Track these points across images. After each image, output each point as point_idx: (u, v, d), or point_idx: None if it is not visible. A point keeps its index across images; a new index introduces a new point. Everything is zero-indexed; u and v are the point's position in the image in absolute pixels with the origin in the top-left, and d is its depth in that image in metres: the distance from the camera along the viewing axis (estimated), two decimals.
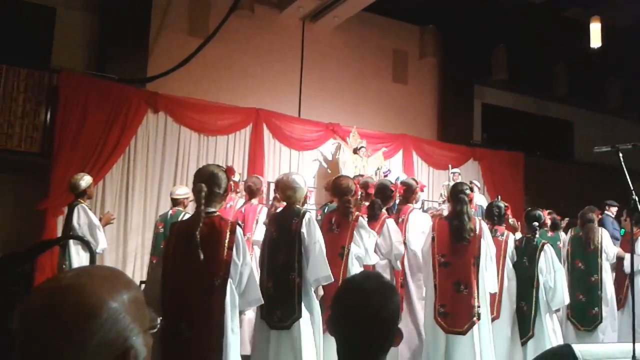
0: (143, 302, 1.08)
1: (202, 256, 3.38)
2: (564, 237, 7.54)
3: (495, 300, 5.59)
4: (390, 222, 5.39)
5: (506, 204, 6.27)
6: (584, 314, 6.58)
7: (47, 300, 0.99)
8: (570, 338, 6.28)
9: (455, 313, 4.99)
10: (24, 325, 0.98)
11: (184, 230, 3.52)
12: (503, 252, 5.70)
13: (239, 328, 3.66)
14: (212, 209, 3.56)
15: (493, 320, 5.50)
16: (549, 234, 7.84)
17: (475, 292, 4.96)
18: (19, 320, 0.98)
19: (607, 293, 6.67)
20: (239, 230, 3.58)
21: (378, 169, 10.04)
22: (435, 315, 5.05)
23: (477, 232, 5.09)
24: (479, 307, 4.96)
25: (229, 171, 3.71)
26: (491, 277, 5.15)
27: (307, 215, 4.53)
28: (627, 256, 6.80)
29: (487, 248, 5.12)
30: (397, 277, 5.51)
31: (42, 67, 8.69)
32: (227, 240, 3.49)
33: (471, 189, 5.48)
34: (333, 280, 4.46)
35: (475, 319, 4.93)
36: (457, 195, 5.25)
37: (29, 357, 0.97)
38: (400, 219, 5.80)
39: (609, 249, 6.84)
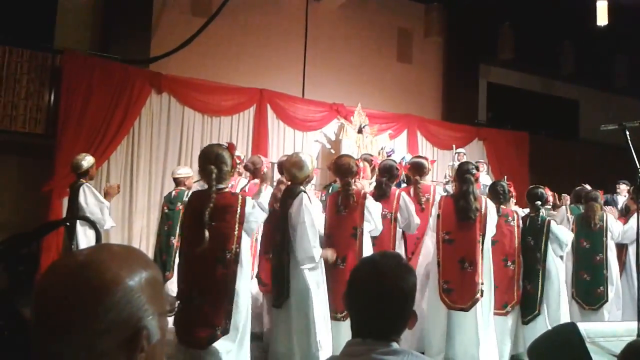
0: (160, 284, 1.06)
1: (207, 235, 3.49)
2: (563, 213, 7.58)
3: (514, 286, 5.60)
4: (404, 195, 5.43)
5: (509, 182, 6.27)
6: (589, 293, 6.59)
7: (61, 276, 0.98)
8: (575, 317, 6.30)
9: (459, 290, 5.03)
10: (36, 300, 0.97)
11: (197, 205, 3.67)
12: (518, 237, 5.69)
13: (248, 300, 3.78)
14: (222, 186, 3.72)
15: (514, 305, 5.55)
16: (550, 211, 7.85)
17: (480, 269, 5.00)
18: (33, 295, 0.98)
19: (612, 272, 6.69)
20: (249, 203, 3.73)
21: (382, 148, 10.02)
22: (440, 291, 5.09)
23: (483, 211, 5.11)
24: (482, 284, 5.00)
25: (231, 148, 3.86)
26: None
27: (300, 196, 4.52)
28: (617, 226, 6.82)
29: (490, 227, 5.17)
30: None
31: (45, 49, 8.66)
32: (238, 215, 3.65)
33: (477, 169, 5.48)
34: (316, 262, 4.46)
35: (478, 295, 4.97)
36: (463, 175, 5.26)
37: (39, 331, 0.96)
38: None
39: (614, 227, 6.84)
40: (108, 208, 6.24)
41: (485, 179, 9.49)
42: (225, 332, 3.57)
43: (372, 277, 1.66)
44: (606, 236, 6.72)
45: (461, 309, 5.02)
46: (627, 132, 3.94)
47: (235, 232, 3.64)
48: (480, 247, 5.06)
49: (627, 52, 14.47)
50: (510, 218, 5.72)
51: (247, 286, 3.78)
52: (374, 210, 4.87)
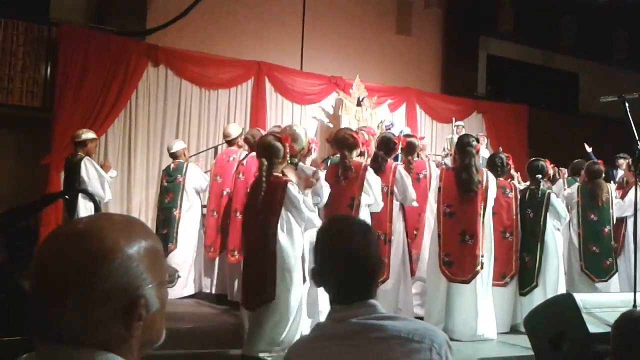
0: (160, 254, 1.06)
1: (261, 217, 4.17)
2: (560, 186, 7.62)
3: (512, 257, 5.64)
4: (401, 168, 5.44)
5: (507, 155, 6.26)
6: (598, 265, 6.63)
7: (59, 243, 0.98)
8: (585, 289, 6.36)
9: (460, 262, 5.07)
10: (35, 267, 0.98)
11: (254, 190, 4.36)
12: (515, 209, 5.70)
13: (295, 270, 4.27)
14: (275, 174, 4.26)
15: (513, 276, 5.60)
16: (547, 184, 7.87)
17: (480, 242, 5.03)
18: (32, 262, 0.98)
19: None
20: (288, 186, 4.22)
21: (381, 122, 9.99)
22: (440, 264, 5.12)
23: (485, 184, 5.12)
24: (482, 256, 5.03)
25: (284, 139, 4.36)
26: None
27: (297, 167, 4.67)
28: (616, 201, 6.86)
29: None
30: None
31: (41, 21, 8.57)
32: (278, 197, 4.18)
33: (477, 141, 5.48)
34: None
35: (479, 268, 5.01)
36: (464, 147, 5.26)
37: (37, 298, 0.96)
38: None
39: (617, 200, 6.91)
40: (108, 182, 6.31)
41: (484, 152, 9.49)
42: (270, 300, 4.15)
43: (339, 248, 1.65)
44: (612, 208, 6.75)
45: (462, 281, 5.06)
46: (627, 104, 3.93)
47: (281, 213, 4.16)
48: (482, 220, 5.09)
49: (627, 25, 14.36)
50: (508, 190, 5.72)
51: (298, 258, 4.28)
52: (374, 184, 4.88)
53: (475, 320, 5.04)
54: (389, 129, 9.05)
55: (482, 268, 5.04)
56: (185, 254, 6.66)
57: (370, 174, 4.87)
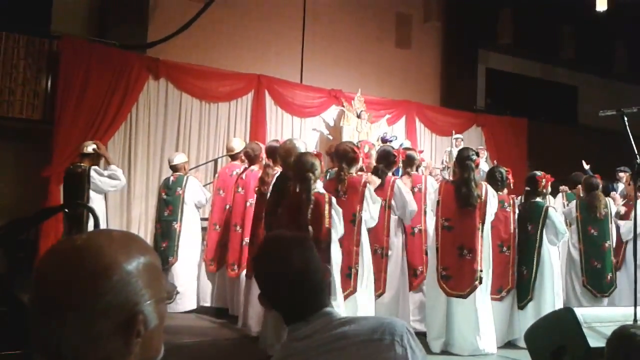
0: (159, 270, 1.07)
1: (311, 231, 4.09)
2: (560, 201, 7.62)
3: (509, 271, 5.63)
4: (400, 183, 5.41)
5: (507, 169, 6.26)
6: (600, 281, 6.61)
7: (58, 258, 0.99)
8: (586, 304, 6.35)
9: (458, 276, 5.05)
10: (34, 282, 0.98)
11: (295, 204, 4.28)
12: (513, 223, 5.69)
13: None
14: (316, 189, 4.32)
15: (509, 290, 5.58)
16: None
17: (479, 257, 5.01)
18: (32, 277, 0.99)
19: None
20: (333, 200, 4.37)
21: (385, 133, 9.98)
22: (438, 277, 5.11)
23: (484, 198, 5.12)
24: (481, 271, 5.02)
25: (319, 156, 4.58)
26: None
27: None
28: (624, 223, 6.87)
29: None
30: (408, 231, 5.59)
31: (42, 34, 8.61)
32: (326, 211, 4.24)
33: (477, 155, 5.48)
34: None
35: (477, 282, 4.99)
36: (463, 161, 5.26)
37: (36, 313, 0.97)
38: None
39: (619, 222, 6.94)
40: (117, 169, 6.48)
41: (483, 165, 9.50)
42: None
43: (281, 268, 1.63)
44: (612, 222, 6.75)
45: (459, 295, 5.05)
46: (626, 119, 3.94)
47: (326, 225, 4.21)
48: (480, 235, 5.08)
49: (626, 37, 14.41)
50: (506, 204, 5.71)
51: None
52: (371, 202, 4.86)
53: (474, 335, 5.01)
54: (387, 141, 9.04)
55: (480, 283, 5.02)
56: (187, 268, 6.64)
57: (369, 190, 4.84)
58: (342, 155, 4.97)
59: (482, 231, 5.10)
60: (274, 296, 1.65)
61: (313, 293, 1.62)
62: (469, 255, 5.05)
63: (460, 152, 5.61)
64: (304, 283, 1.61)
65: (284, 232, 1.82)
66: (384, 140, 8.80)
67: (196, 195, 6.79)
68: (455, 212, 5.18)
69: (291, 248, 1.65)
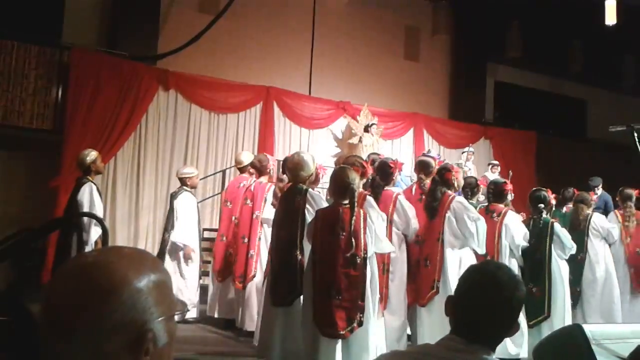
0: (169, 288, 1.07)
1: (353, 243, 4.09)
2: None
3: None
4: (402, 198, 5.33)
5: (505, 180, 6.24)
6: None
7: (69, 276, 0.99)
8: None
9: (419, 286, 5.21)
10: (45, 299, 0.99)
11: (329, 217, 4.21)
12: (497, 231, 5.61)
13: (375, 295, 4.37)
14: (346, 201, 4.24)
15: None
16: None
17: (438, 266, 5.03)
18: (43, 295, 0.99)
19: (595, 273, 6.65)
20: (372, 213, 4.39)
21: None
22: (407, 289, 5.24)
23: (444, 208, 5.17)
24: (438, 281, 5.01)
25: (357, 170, 4.57)
26: None
27: (308, 192, 4.62)
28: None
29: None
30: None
31: (53, 44, 8.68)
32: (362, 224, 4.18)
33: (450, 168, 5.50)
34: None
35: (433, 291, 5.00)
36: (436, 174, 5.43)
37: (46, 330, 0.97)
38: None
39: (602, 228, 6.81)
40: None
41: (490, 176, 9.46)
42: (360, 324, 4.09)
43: (489, 285, 1.70)
44: (587, 235, 6.71)
45: (421, 304, 5.20)
46: (635, 134, 3.93)
47: (362, 239, 4.14)
48: (440, 245, 5.16)
49: (635, 51, 14.39)
50: (495, 214, 5.67)
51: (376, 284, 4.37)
52: (374, 217, 4.79)
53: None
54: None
55: (437, 292, 5.06)
56: (189, 278, 6.65)
57: (370, 204, 4.65)
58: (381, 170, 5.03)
59: (441, 241, 5.14)
60: (468, 306, 1.72)
61: (494, 330, 1.73)
62: (430, 264, 5.16)
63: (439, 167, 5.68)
64: (499, 319, 1.72)
65: (513, 271, 1.87)
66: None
67: (183, 209, 6.70)
68: (424, 226, 5.31)
69: (520, 288, 1.74)
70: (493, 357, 1.66)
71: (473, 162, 10.30)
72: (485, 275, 1.76)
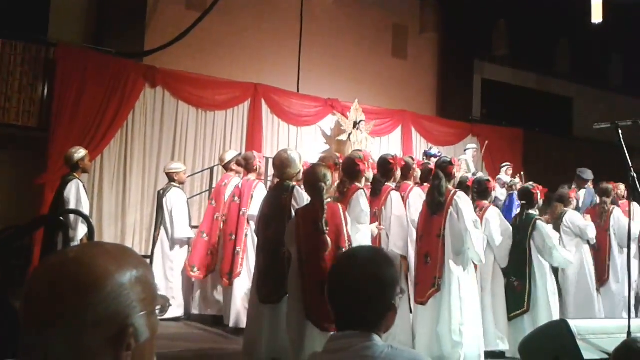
0: (151, 283, 1.06)
1: (329, 240, 4.10)
2: None
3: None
4: (395, 195, 5.32)
5: (488, 178, 6.29)
6: None
7: (51, 270, 0.99)
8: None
9: (421, 283, 5.10)
10: (26, 293, 0.98)
11: (309, 215, 4.24)
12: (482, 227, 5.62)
13: None
14: (328, 199, 4.31)
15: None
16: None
17: (439, 263, 5.00)
18: (24, 288, 0.99)
19: (566, 270, 6.58)
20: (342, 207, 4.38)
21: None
22: (409, 285, 5.22)
23: (446, 205, 5.11)
24: (439, 278, 4.97)
25: (331, 167, 4.62)
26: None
27: (295, 189, 4.63)
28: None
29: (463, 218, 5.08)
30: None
31: (39, 41, 8.61)
32: (343, 218, 4.22)
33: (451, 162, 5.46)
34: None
35: (434, 289, 4.97)
36: (436, 170, 5.32)
37: (27, 323, 0.96)
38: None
39: (574, 225, 6.76)
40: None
41: (504, 177, 9.48)
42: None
43: (348, 267, 1.65)
44: (560, 233, 6.62)
45: (420, 302, 5.10)
46: (620, 131, 3.96)
47: (344, 232, 4.16)
48: (441, 242, 5.06)
49: (621, 50, 14.50)
50: (478, 209, 5.68)
51: None
52: (357, 206, 4.80)
53: (437, 344, 4.96)
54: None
55: (437, 290, 4.96)
56: (175, 275, 6.65)
57: (360, 195, 4.71)
58: (348, 168, 4.93)
59: (442, 237, 5.05)
60: (335, 296, 1.68)
61: (363, 312, 1.66)
62: (431, 261, 5.08)
63: (437, 161, 5.66)
64: (364, 299, 1.64)
65: (382, 250, 1.83)
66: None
67: (174, 206, 6.79)
68: (425, 222, 5.24)
69: (384, 266, 1.67)
70: (375, 340, 1.56)
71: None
72: (344, 258, 1.75)
